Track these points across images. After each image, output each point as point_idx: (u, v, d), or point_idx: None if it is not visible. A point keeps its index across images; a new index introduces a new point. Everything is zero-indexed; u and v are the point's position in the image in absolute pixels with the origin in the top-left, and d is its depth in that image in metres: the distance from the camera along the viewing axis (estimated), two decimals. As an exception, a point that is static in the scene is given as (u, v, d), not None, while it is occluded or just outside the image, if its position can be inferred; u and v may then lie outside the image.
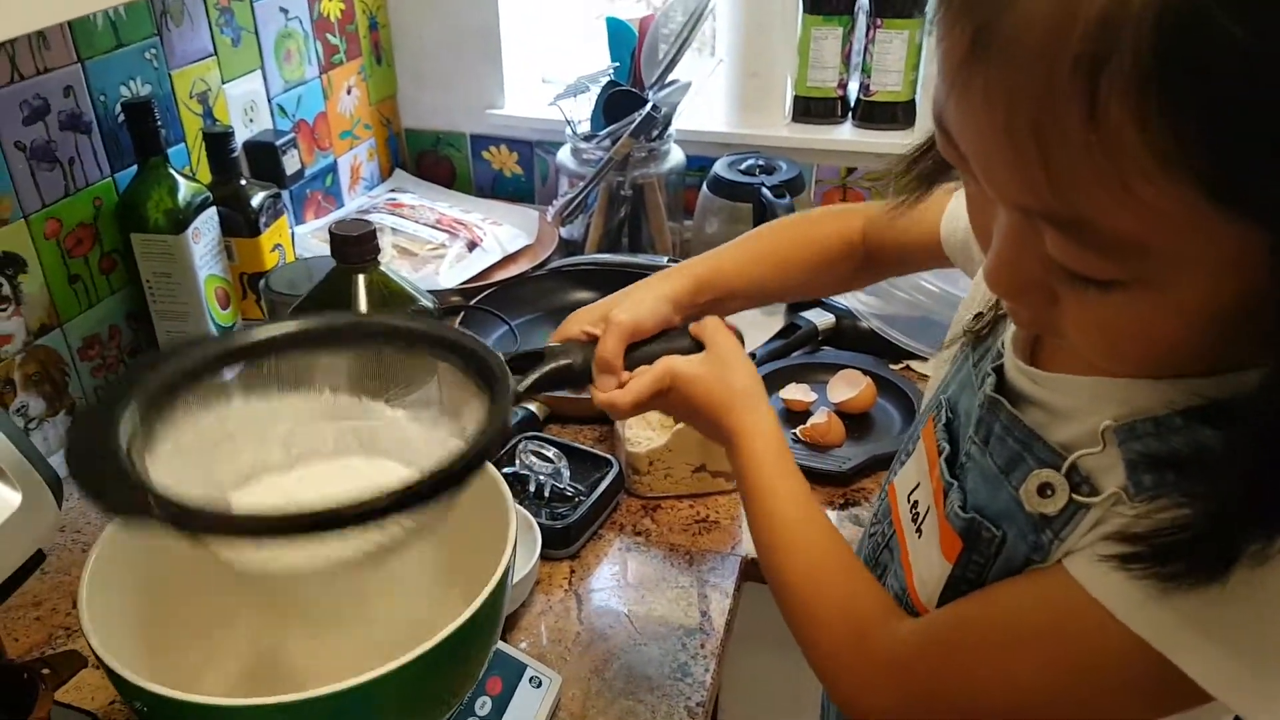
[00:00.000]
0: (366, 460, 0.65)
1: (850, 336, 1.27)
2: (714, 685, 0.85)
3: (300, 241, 1.38)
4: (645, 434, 1.02)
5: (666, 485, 1.03)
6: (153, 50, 1.12)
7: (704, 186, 1.44)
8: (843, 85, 1.50)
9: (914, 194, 0.59)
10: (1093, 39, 0.34)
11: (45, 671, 0.65)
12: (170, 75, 1.16)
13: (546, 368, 0.71)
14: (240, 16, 1.26)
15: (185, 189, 1.08)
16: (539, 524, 0.93)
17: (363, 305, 0.92)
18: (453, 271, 1.39)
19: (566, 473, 1.00)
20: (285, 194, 1.35)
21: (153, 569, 0.70)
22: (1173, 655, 0.45)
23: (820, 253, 0.85)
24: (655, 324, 0.75)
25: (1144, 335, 0.43)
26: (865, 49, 1.46)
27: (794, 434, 1.10)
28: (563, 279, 1.39)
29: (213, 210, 1.12)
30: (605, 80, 1.43)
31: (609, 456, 1.03)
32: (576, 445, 1.05)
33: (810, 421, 1.10)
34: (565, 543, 0.95)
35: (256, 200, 1.17)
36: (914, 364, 1.24)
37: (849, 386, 1.15)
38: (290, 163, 1.33)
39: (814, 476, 1.06)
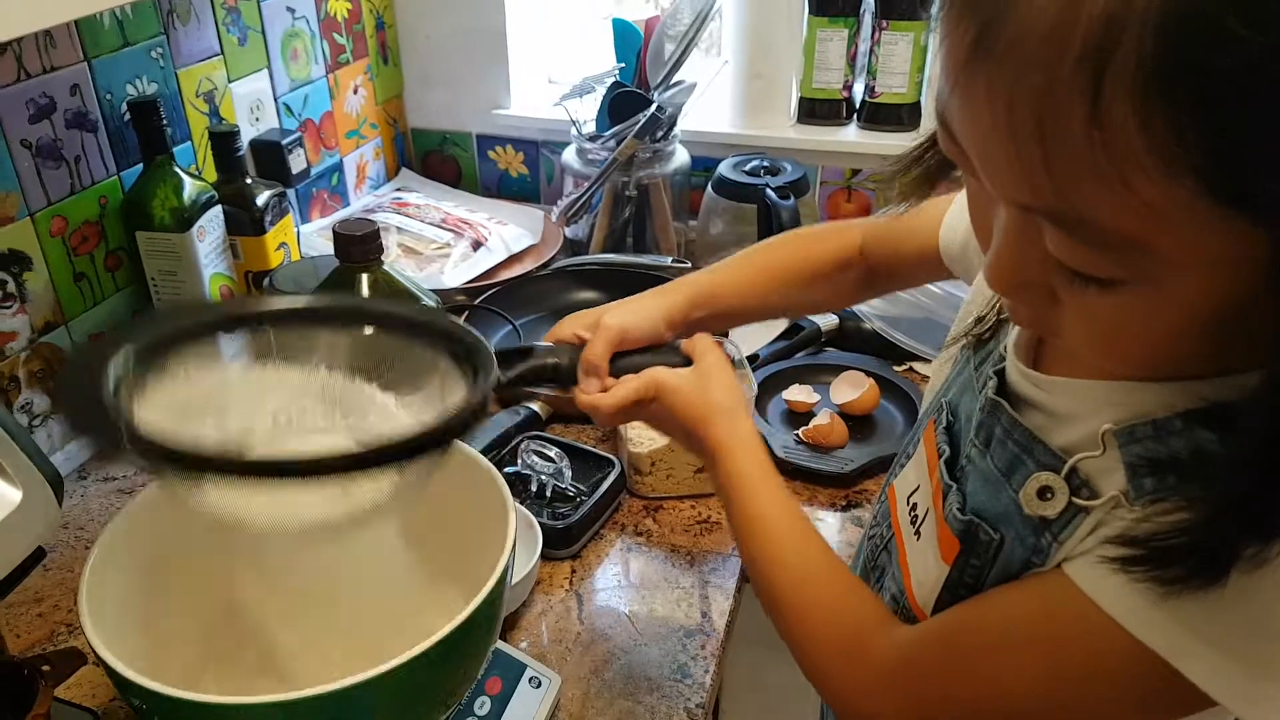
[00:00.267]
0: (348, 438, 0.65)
1: (853, 338, 1.27)
2: (714, 686, 0.85)
3: (306, 240, 1.39)
4: (647, 434, 1.02)
5: (668, 486, 1.03)
6: (159, 49, 1.13)
7: (709, 187, 1.44)
8: (848, 87, 1.50)
9: (915, 193, 0.59)
10: (1096, 37, 0.34)
11: (46, 668, 0.65)
12: (176, 74, 1.16)
13: (532, 363, 0.73)
14: (247, 16, 1.26)
15: (190, 187, 1.09)
16: (540, 524, 0.93)
17: (365, 304, 0.92)
18: (457, 271, 1.40)
19: (568, 472, 1.01)
20: (291, 193, 1.35)
21: (154, 567, 0.71)
22: (1173, 659, 0.45)
23: (819, 270, 0.85)
24: (644, 334, 0.75)
25: (1143, 334, 0.43)
26: (870, 51, 1.46)
27: (796, 435, 1.10)
28: (567, 279, 1.39)
29: (218, 209, 1.13)
30: (610, 81, 1.44)
31: (611, 456, 1.03)
32: (579, 445, 1.05)
33: (813, 423, 1.10)
34: (566, 543, 0.95)
35: (262, 199, 1.17)
36: (917, 365, 1.24)
37: (852, 388, 1.15)
38: (296, 162, 1.34)
39: (816, 478, 1.06)
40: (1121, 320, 0.42)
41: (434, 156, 1.71)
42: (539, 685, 0.79)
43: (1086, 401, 0.51)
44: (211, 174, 1.19)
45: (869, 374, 1.17)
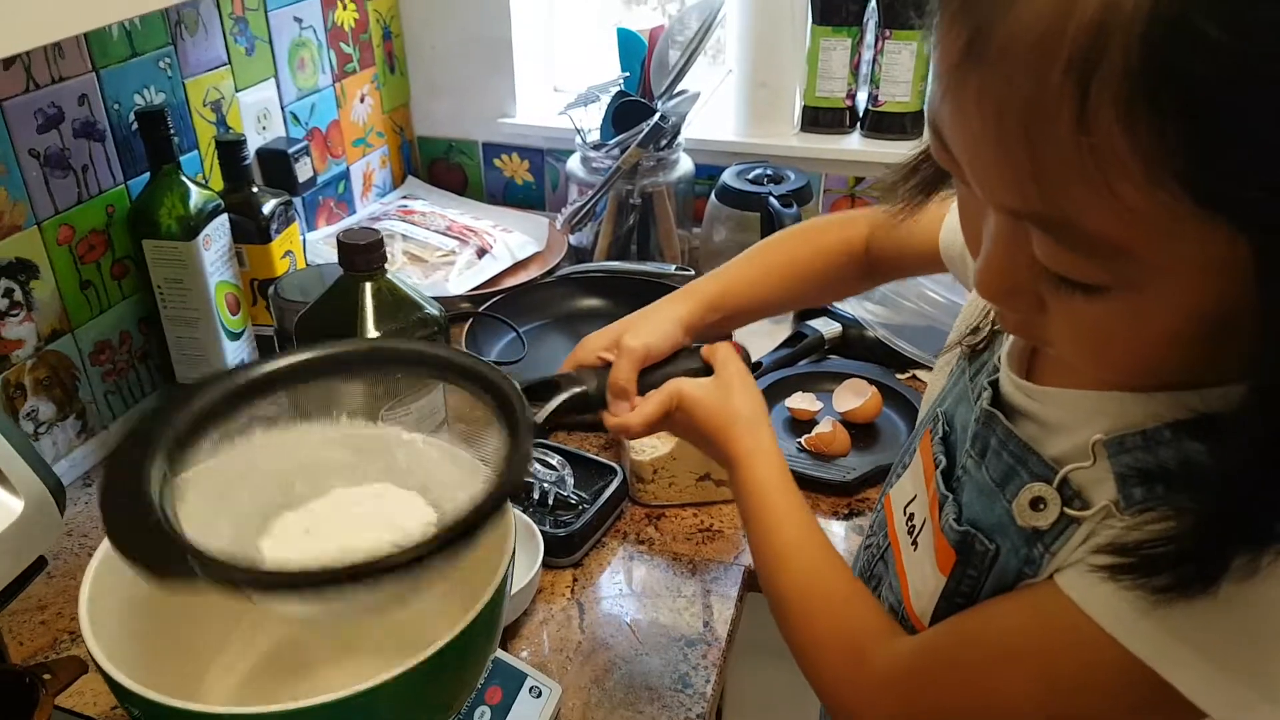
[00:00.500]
0: (387, 486, 0.65)
1: (857, 346, 1.27)
2: (715, 696, 0.85)
3: (312, 248, 1.39)
4: (650, 442, 1.03)
5: (670, 494, 1.03)
6: (167, 59, 1.13)
7: (712, 195, 1.44)
8: (851, 96, 1.50)
9: (913, 201, 0.60)
10: (1084, 45, 0.35)
11: (46, 676, 0.65)
12: (184, 84, 1.17)
13: (563, 396, 0.73)
14: (254, 26, 1.27)
15: (197, 196, 1.10)
16: (543, 532, 0.93)
17: (369, 312, 0.92)
18: (462, 278, 1.40)
19: (570, 480, 1.01)
20: (297, 201, 1.36)
21: (155, 574, 0.71)
22: (1161, 669, 0.45)
23: (826, 263, 0.86)
24: (666, 349, 0.76)
25: (1130, 340, 0.43)
26: (874, 60, 1.46)
27: (799, 443, 1.10)
28: (571, 286, 1.40)
29: (224, 217, 1.13)
30: (615, 90, 1.44)
31: (613, 464, 1.04)
32: (581, 453, 1.06)
33: (815, 431, 1.10)
34: (568, 551, 0.96)
35: (268, 207, 1.18)
36: (920, 373, 1.24)
37: (855, 396, 1.15)
38: (302, 170, 1.34)
39: (818, 486, 1.06)
40: (1108, 326, 0.43)
41: (440, 164, 1.72)
42: (539, 695, 0.80)
43: (1078, 412, 0.51)
44: (218, 183, 1.19)
45: (872, 382, 1.17)
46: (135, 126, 1.08)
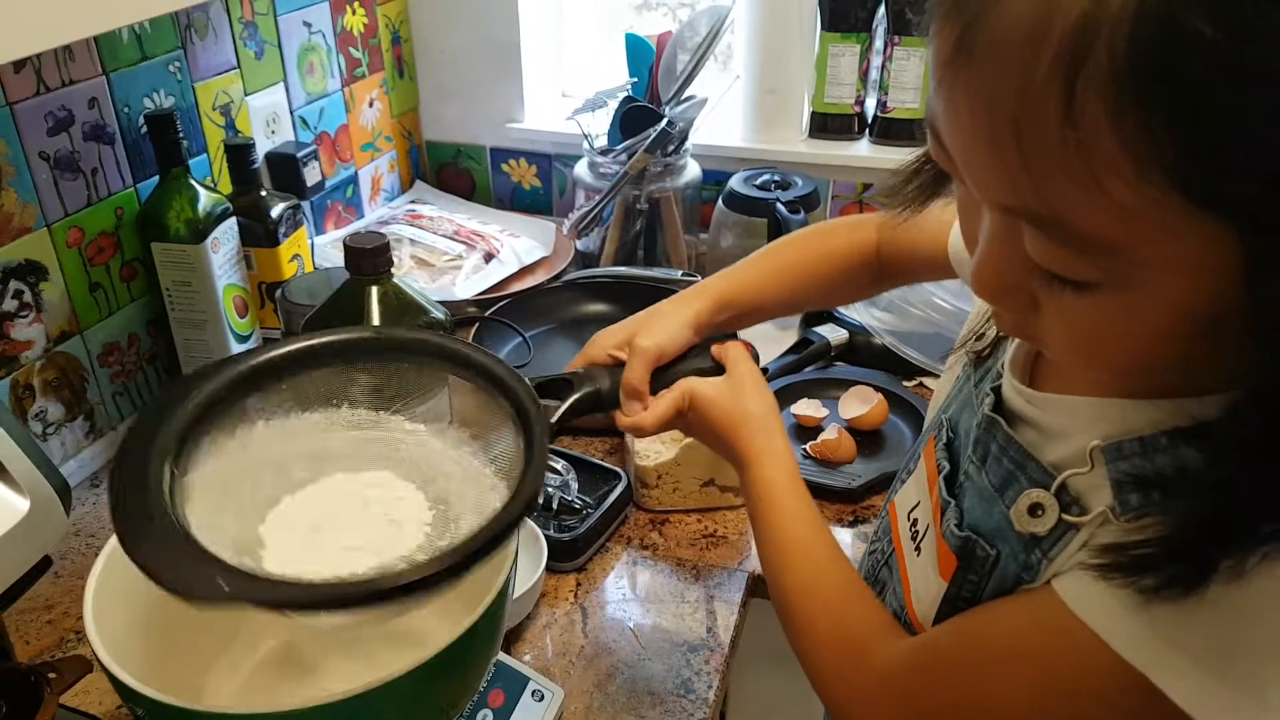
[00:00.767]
0: (388, 476, 0.65)
1: (863, 352, 1.27)
2: (717, 702, 0.85)
3: (320, 252, 1.40)
4: (654, 448, 1.03)
5: (675, 499, 1.03)
6: (176, 63, 1.14)
7: (719, 201, 1.44)
8: (860, 102, 1.50)
9: (916, 204, 0.60)
10: (1072, 39, 0.35)
11: (52, 675, 0.66)
12: (194, 87, 1.17)
13: (576, 395, 0.73)
14: (264, 30, 1.28)
15: (206, 199, 1.10)
16: (547, 536, 0.93)
17: (375, 316, 0.93)
18: (469, 282, 1.40)
19: (575, 485, 1.01)
20: (305, 205, 1.36)
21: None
22: (1153, 675, 0.45)
23: (836, 265, 0.86)
24: (678, 348, 0.77)
25: (1121, 339, 0.43)
26: (883, 66, 1.46)
27: (804, 449, 1.10)
28: (578, 291, 1.40)
29: (232, 220, 1.14)
30: (623, 95, 1.44)
31: (618, 469, 1.04)
32: (586, 458, 1.06)
33: (821, 437, 1.10)
34: (572, 555, 0.96)
35: (276, 211, 1.19)
36: (927, 381, 1.23)
37: (861, 403, 1.15)
38: (311, 174, 1.35)
39: (823, 493, 1.06)
40: (1099, 324, 0.43)
41: (448, 169, 1.72)
42: (541, 698, 0.80)
43: (1078, 418, 0.51)
44: (227, 186, 1.20)
45: (878, 389, 1.17)
46: (145, 130, 1.09)
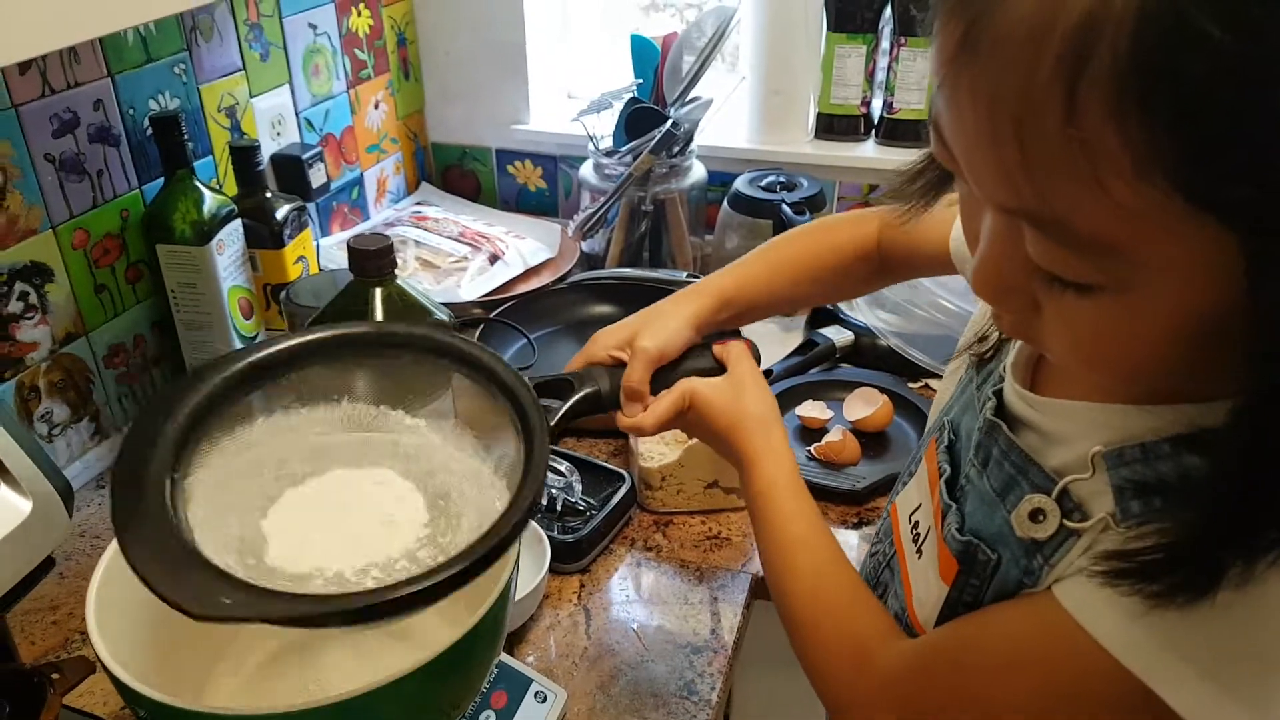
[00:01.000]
0: (389, 474, 0.65)
1: (868, 354, 1.26)
2: (720, 704, 0.85)
3: (325, 253, 1.40)
4: (658, 449, 1.03)
5: (678, 501, 1.03)
6: (182, 65, 1.14)
7: (725, 202, 1.44)
8: (866, 103, 1.50)
9: (920, 203, 0.60)
10: (1075, 38, 0.35)
11: (55, 676, 0.66)
12: (199, 89, 1.18)
13: (576, 397, 0.73)
14: (269, 32, 1.28)
15: (211, 201, 1.10)
16: (550, 538, 0.93)
17: (379, 318, 0.93)
18: (474, 284, 1.40)
19: (579, 487, 1.01)
20: (311, 206, 1.37)
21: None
22: (1150, 680, 0.45)
23: (838, 260, 0.86)
24: (679, 348, 0.77)
25: (1122, 342, 0.43)
26: (889, 67, 1.46)
27: (809, 451, 1.10)
28: (583, 293, 1.40)
29: (237, 222, 1.14)
30: (628, 97, 1.44)
31: (621, 471, 1.04)
32: (589, 459, 1.06)
33: (825, 439, 1.10)
34: (576, 557, 0.96)
35: (281, 213, 1.19)
36: (932, 382, 1.23)
37: (866, 404, 1.15)
38: (316, 176, 1.35)
39: (828, 495, 1.05)
40: (1100, 327, 0.43)
41: (454, 171, 1.72)
42: (544, 700, 0.79)
43: (1079, 423, 0.51)
44: (232, 188, 1.20)
45: (883, 390, 1.17)
46: (150, 132, 1.09)
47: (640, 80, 1.46)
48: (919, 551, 0.63)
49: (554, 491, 1.00)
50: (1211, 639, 0.43)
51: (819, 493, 1.06)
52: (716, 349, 0.78)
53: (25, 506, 0.61)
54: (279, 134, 1.33)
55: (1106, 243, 0.38)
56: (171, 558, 0.50)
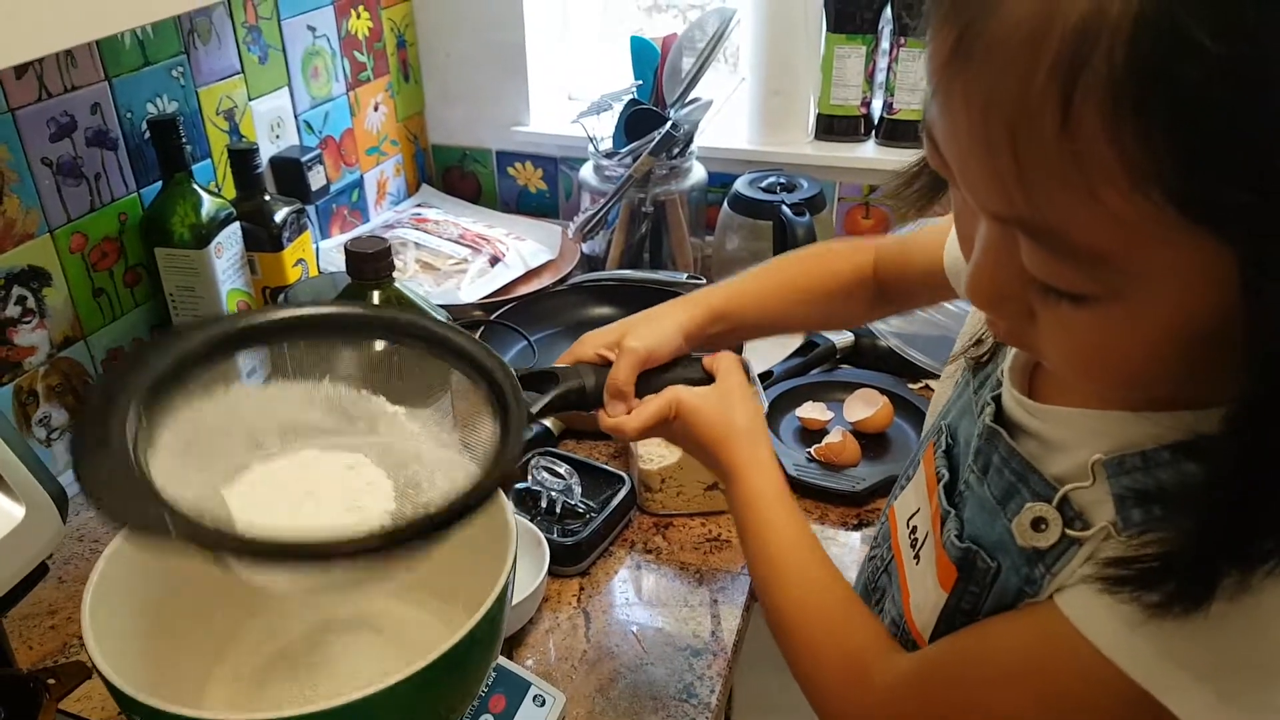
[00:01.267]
0: (360, 459, 0.64)
1: (869, 355, 1.26)
2: (720, 706, 0.84)
3: (325, 256, 1.40)
4: (658, 451, 1.02)
5: (678, 503, 1.03)
6: (180, 68, 1.14)
7: (725, 203, 1.44)
8: (866, 103, 1.49)
9: (915, 208, 0.59)
10: (1070, 46, 0.34)
11: (50, 681, 0.66)
12: (197, 92, 1.18)
13: (559, 389, 0.72)
14: (268, 34, 1.28)
15: (209, 204, 1.10)
16: (550, 540, 0.93)
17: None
18: (474, 286, 1.40)
19: (578, 489, 1.00)
20: (311, 209, 1.37)
21: (159, 582, 0.71)
22: (1152, 688, 0.44)
23: (835, 285, 0.85)
24: (668, 354, 0.76)
25: (1117, 351, 0.42)
26: (889, 67, 1.45)
27: (808, 453, 1.10)
28: (583, 294, 1.39)
29: (236, 225, 1.14)
30: (628, 98, 1.44)
31: (621, 473, 1.03)
32: (589, 461, 1.05)
33: (825, 440, 1.09)
34: (575, 559, 0.95)
35: (280, 215, 1.19)
36: (933, 384, 1.23)
37: (866, 405, 1.14)
38: (315, 178, 1.35)
39: (827, 496, 1.05)
40: (1095, 336, 0.42)
41: (454, 172, 1.72)
42: (543, 703, 0.79)
43: (1079, 431, 0.51)
44: (230, 191, 1.20)
45: (883, 392, 1.17)
46: (148, 135, 1.09)
47: (640, 81, 1.46)
48: (917, 557, 0.62)
49: (553, 494, 0.99)
50: (1211, 647, 0.43)
51: (818, 494, 1.06)
52: (707, 361, 0.77)
53: (19, 512, 0.61)
54: (278, 136, 1.33)
55: (1101, 252, 0.38)
56: (124, 483, 0.50)
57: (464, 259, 1.45)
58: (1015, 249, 0.42)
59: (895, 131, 1.48)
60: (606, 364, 0.74)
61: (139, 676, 0.59)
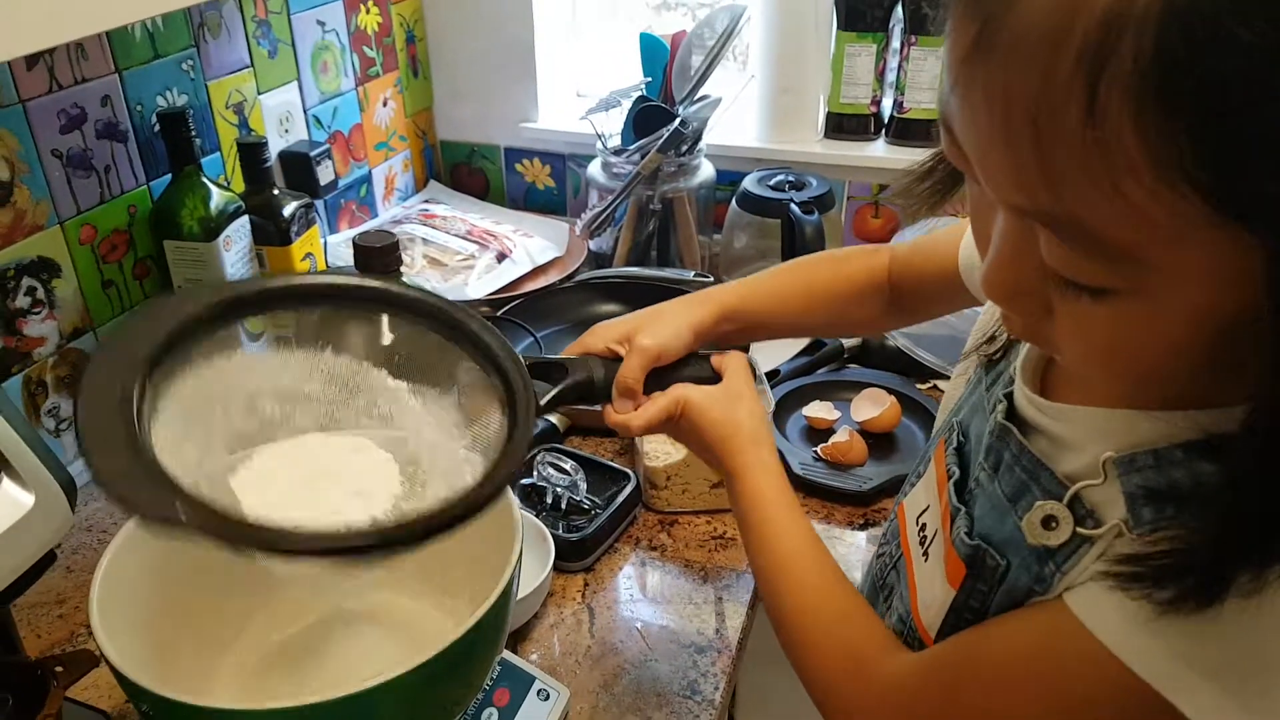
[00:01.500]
0: (366, 442, 0.64)
1: (877, 355, 1.26)
2: (724, 703, 0.84)
3: (333, 251, 1.40)
4: (664, 449, 1.02)
5: (684, 500, 1.03)
6: (190, 61, 1.14)
7: (733, 201, 1.44)
8: (876, 102, 1.49)
9: (929, 203, 0.59)
10: (1095, 37, 0.34)
11: (58, 669, 0.66)
12: (207, 86, 1.18)
13: (569, 382, 0.72)
14: (277, 29, 1.28)
15: (218, 197, 1.10)
16: (555, 536, 0.93)
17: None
18: (481, 282, 1.40)
19: (584, 485, 1.00)
20: (319, 204, 1.37)
21: (166, 573, 0.71)
22: (1162, 687, 0.44)
23: (848, 288, 0.84)
24: (679, 352, 0.76)
25: (1137, 348, 0.42)
26: (899, 66, 1.45)
27: (815, 452, 1.09)
28: (590, 291, 1.39)
29: (245, 219, 1.14)
30: (636, 95, 1.44)
31: (627, 470, 1.03)
32: (595, 458, 1.05)
33: (832, 439, 1.09)
34: (580, 555, 0.95)
35: (289, 210, 1.19)
36: (940, 383, 1.22)
37: (873, 405, 1.14)
38: (324, 173, 1.35)
39: (834, 495, 1.05)
40: (1115, 332, 0.42)
41: (462, 169, 1.72)
42: (547, 698, 0.79)
43: (1091, 429, 0.50)
44: (239, 184, 1.20)
45: (891, 392, 1.16)
46: (157, 128, 1.10)
47: (649, 78, 1.46)
48: (925, 554, 0.62)
49: (559, 490, 1.00)
50: (1220, 646, 0.43)
51: (825, 494, 1.06)
52: (715, 360, 0.77)
53: (28, 500, 0.61)
54: (287, 131, 1.34)
55: (1123, 246, 0.38)
56: (134, 466, 0.49)
57: (471, 255, 1.45)
58: (1034, 243, 0.41)
59: (905, 130, 1.48)
60: (616, 358, 0.74)
61: (146, 665, 0.59)
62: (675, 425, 0.73)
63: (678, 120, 1.35)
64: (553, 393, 0.70)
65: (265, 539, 0.49)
